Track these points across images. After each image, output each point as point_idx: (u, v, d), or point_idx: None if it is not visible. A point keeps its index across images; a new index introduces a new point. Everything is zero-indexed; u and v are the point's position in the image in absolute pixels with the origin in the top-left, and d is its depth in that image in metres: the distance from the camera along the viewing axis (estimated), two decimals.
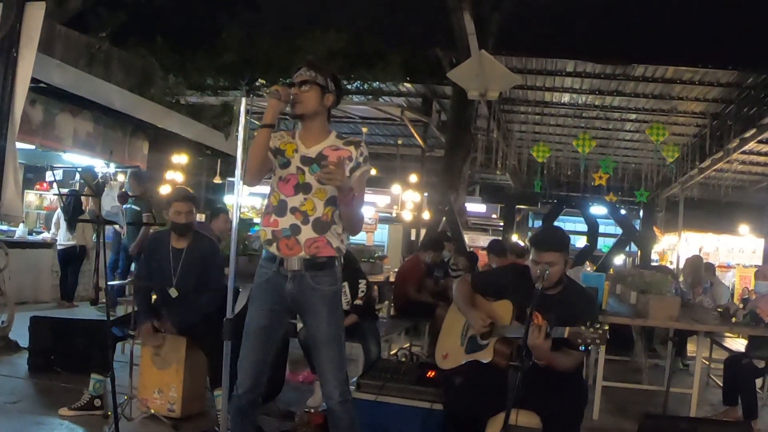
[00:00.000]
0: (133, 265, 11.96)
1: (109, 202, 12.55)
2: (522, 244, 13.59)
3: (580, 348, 4.36)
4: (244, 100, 4.17)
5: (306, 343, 6.98)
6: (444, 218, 15.60)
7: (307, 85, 4.21)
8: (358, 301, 7.41)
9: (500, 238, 15.87)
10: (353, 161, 4.25)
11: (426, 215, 19.08)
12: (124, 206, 11.86)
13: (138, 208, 11.70)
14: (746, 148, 17.53)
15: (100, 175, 12.97)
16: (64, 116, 12.27)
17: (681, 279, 10.98)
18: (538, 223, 30.06)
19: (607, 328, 4.28)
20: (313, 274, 4.21)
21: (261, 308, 4.28)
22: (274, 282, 4.25)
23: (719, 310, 8.47)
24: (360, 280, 7.50)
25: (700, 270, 10.66)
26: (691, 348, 10.96)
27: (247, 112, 4.19)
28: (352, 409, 4.28)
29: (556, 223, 13.94)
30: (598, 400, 7.43)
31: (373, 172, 4.43)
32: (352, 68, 18.05)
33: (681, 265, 16.02)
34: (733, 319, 7.86)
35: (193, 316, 6.13)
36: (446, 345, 5.15)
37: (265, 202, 4.41)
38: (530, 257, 4.76)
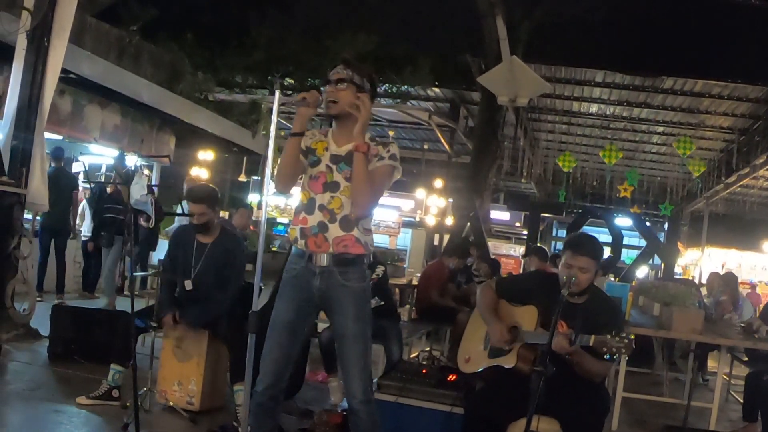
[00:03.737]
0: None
1: (138, 191, 12.59)
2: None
3: (605, 357, 4.30)
4: (277, 94, 4.13)
5: (326, 344, 6.96)
6: (468, 224, 15.54)
7: (344, 84, 4.15)
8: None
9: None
10: (377, 156, 4.20)
11: (450, 220, 19.03)
12: None
13: None
14: None
15: (129, 165, 12.98)
16: (92, 108, 12.33)
17: (704, 293, 10.90)
18: (562, 233, 29.98)
19: (633, 337, 4.23)
20: (341, 270, 4.16)
21: (288, 303, 4.24)
22: (303, 277, 4.21)
23: (742, 325, 8.41)
24: (378, 265, 7.35)
25: (736, 289, 10.57)
26: (711, 364, 10.89)
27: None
28: (375, 410, 4.22)
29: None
30: (617, 411, 7.38)
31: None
32: (380, 71, 17.99)
33: (704, 280, 15.86)
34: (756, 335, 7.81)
35: (206, 313, 6.12)
36: (469, 349, 5.10)
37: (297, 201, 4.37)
38: (563, 260, 4.67)
